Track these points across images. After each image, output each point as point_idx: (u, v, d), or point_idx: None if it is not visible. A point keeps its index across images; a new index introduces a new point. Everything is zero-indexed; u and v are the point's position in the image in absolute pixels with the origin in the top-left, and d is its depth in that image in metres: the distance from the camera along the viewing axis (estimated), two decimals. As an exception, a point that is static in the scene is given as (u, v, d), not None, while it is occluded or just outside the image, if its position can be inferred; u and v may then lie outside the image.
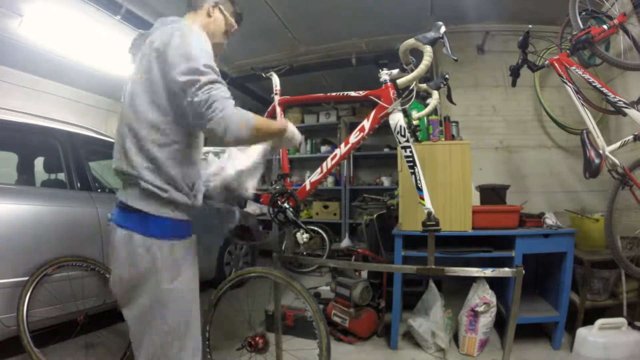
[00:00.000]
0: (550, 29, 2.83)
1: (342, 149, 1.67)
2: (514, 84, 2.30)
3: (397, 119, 1.49)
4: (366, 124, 1.58)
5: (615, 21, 2.13)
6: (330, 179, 5.09)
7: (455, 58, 1.41)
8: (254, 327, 2.63)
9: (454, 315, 2.29)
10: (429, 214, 1.42)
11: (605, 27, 2.08)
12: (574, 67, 2.01)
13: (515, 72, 2.22)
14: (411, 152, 1.46)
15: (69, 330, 1.99)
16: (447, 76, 1.76)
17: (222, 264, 3.45)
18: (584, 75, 1.98)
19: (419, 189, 1.44)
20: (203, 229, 3.00)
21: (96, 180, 2.53)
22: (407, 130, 1.48)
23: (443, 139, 2.35)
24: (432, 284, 2.35)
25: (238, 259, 3.68)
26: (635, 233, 2.06)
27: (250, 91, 4.72)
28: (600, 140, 1.93)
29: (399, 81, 1.48)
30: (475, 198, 2.42)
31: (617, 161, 1.88)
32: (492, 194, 2.45)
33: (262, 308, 2.68)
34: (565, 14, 2.23)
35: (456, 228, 2.19)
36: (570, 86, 2.00)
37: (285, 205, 1.69)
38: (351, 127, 5.09)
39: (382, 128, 1.60)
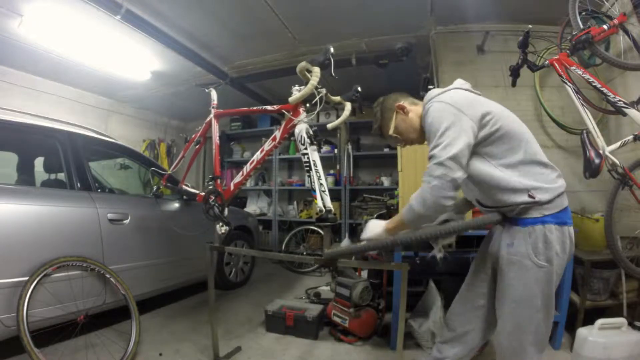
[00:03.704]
0: (550, 29, 2.83)
1: (258, 155, 1.94)
2: (514, 84, 2.29)
3: (299, 130, 1.73)
4: (277, 134, 1.87)
5: (615, 21, 2.13)
6: (330, 179, 5.08)
7: (336, 77, 1.64)
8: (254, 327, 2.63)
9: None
10: (320, 210, 1.61)
11: (605, 27, 2.08)
12: (574, 67, 2.01)
13: (515, 72, 2.22)
14: (308, 158, 1.67)
15: (69, 330, 1.99)
16: (359, 89, 1.86)
17: (222, 263, 3.44)
18: (584, 75, 1.98)
19: (313, 190, 1.63)
20: (203, 228, 3.02)
21: (96, 180, 2.53)
22: (306, 140, 1.69)
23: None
24: (432, 284, 2.35)
25: (238, 258, 3.67)
26: (635, 233, 2.06)
27: (250, 91, 4.72)
28: (600, 140, 1.92)
29: (290, 99, 1.69)
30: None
31: (617, 161, 1.88)
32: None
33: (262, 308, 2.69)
34: (565, 14, 2.23)
35: (456, 228, 2.19)
36: (570, 86, 2.00)
37: (213, 202, 2.04)
38: (351, 127, 5.12)
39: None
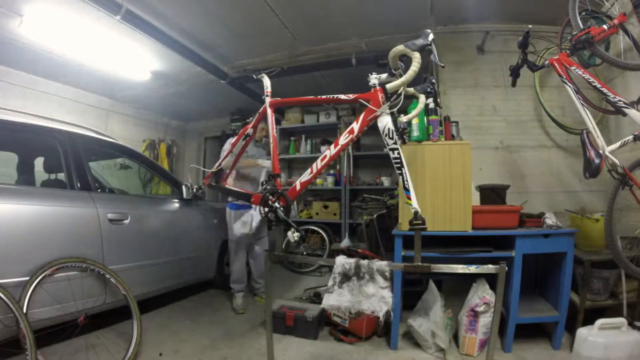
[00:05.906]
0: (550, 29, 2.83)
1: (332, 150, 1.71)
2: (514, 84, 2.30)
3: (385, 122, 1.54)
4: (355, 126, 1.64)
5: (615, 21, 2.13)
6: (330, 179, 5.08)
7: (443, 65, 1.49)
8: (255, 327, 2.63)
9: (454, 315, 2.29)
10: (416, 213, 1.46)
11: (605, 27, 2.08)
12: (574, 67, 2.01)
13: (515, 72, 2.22)
14: (399, 154, 1.51)
15: (69, 330, 1.99)
16: (433, 81, 1.77)
17: (222, 263, 3.44)
18: (584, 75, 1.98)
19: (406, 189, 1.51)
20: (202, 227, 3.01)
21: (96, 180, 2.53)
22: (394, 133, 1.51)
23: (443, 139, 2.35)
24: (432, 284, 2.34)
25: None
26: (635, 233, 2.06)
27: (250, 91, 4.72)
28: (600, 140, 1.92)
29: (388, 86, 1.52)
30: (475, 198, 2.42)
31: (617, 161, 1.88)
32: (492, 194, 2.45)
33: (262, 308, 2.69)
34: (565, 14, 2.23)
35: (456, 228, 2.20)
36: (570, 86, 2.00)
37: (276, 204, 1.72)
38: (351, 127, 5.10)
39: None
